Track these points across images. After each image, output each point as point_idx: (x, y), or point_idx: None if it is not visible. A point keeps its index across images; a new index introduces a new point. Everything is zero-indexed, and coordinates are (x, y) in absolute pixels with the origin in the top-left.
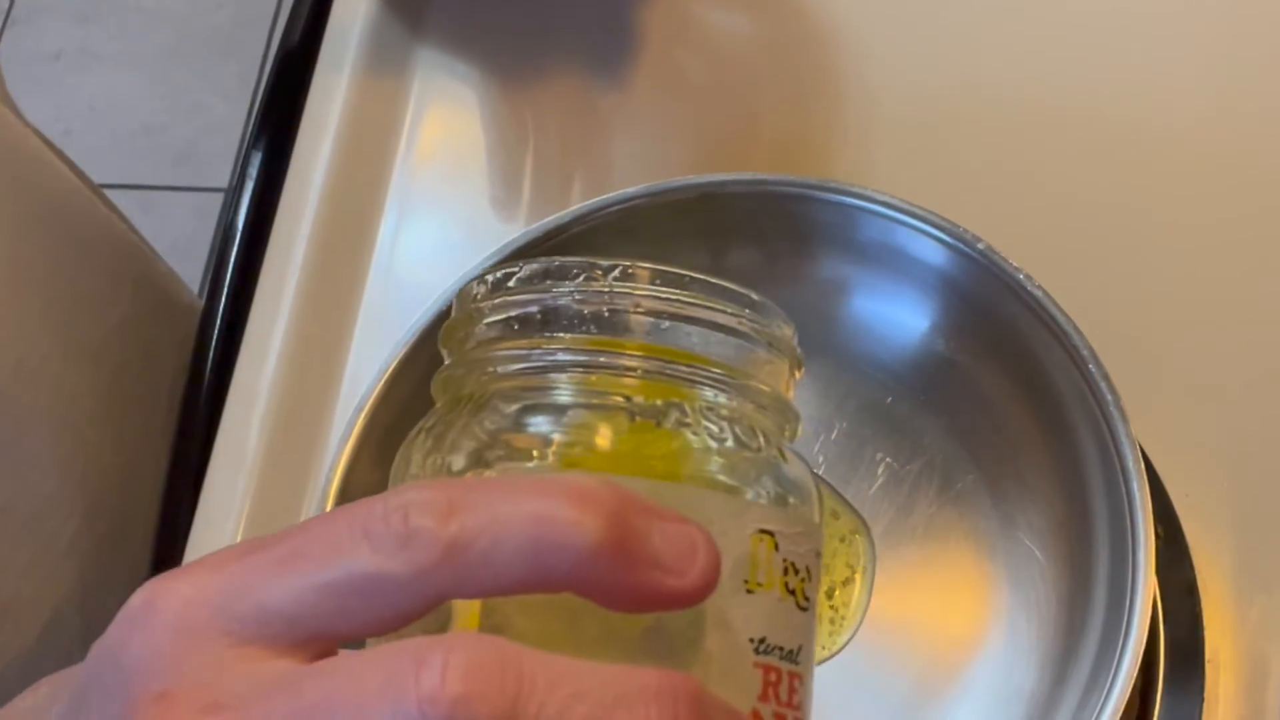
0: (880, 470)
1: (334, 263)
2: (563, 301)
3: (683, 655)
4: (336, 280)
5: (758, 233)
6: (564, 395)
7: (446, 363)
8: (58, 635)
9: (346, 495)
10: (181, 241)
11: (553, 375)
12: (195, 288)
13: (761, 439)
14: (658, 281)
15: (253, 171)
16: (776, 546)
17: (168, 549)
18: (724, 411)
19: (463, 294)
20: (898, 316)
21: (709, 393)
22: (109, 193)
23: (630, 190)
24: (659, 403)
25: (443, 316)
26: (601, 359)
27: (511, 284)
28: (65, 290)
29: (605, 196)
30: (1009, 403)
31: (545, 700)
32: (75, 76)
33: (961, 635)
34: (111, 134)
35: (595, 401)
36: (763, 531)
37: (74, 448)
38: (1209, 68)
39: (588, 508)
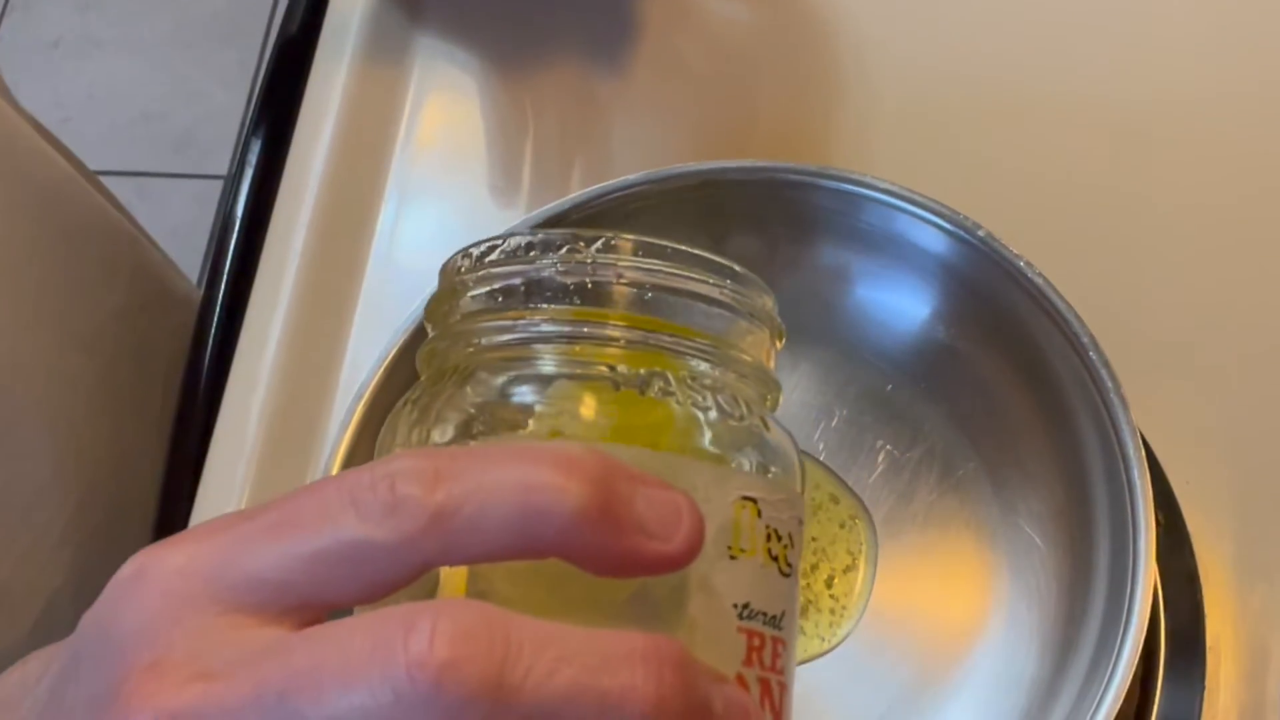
0: (880, 458)
1: (334, 250)
2: (546, 273)
3: (667, 620)
4: (336, 267)
5: (758, 220)
6: (547, 366)
7: (430, 335)
8: (52, 625)
9: None
10: (181, 229)
11: (536, 346)
12: (194, 275)
13: (744, 408)
14: (640, 253)
15: (252, 159)
16: (759, 513)
17: (167, 534)
18: (707, 381)
19: (446, 267)
20: (898, 304)
21: (692, 362)
22: (108, 180)
23: (631, 177)
24: (642, 372)
25: None
26: (584, 329)
27: (495, 256)
28: (59, 280)
29: (605, 184)
30: (1009, 390)
31: (532, 664)
32: (74, 64)
33: (962, 623)
34: (111, 121)
35: (579, 371)
36: (745, 498)
37: (68, 437)
38: (1209, 54)
39: (573, 474)
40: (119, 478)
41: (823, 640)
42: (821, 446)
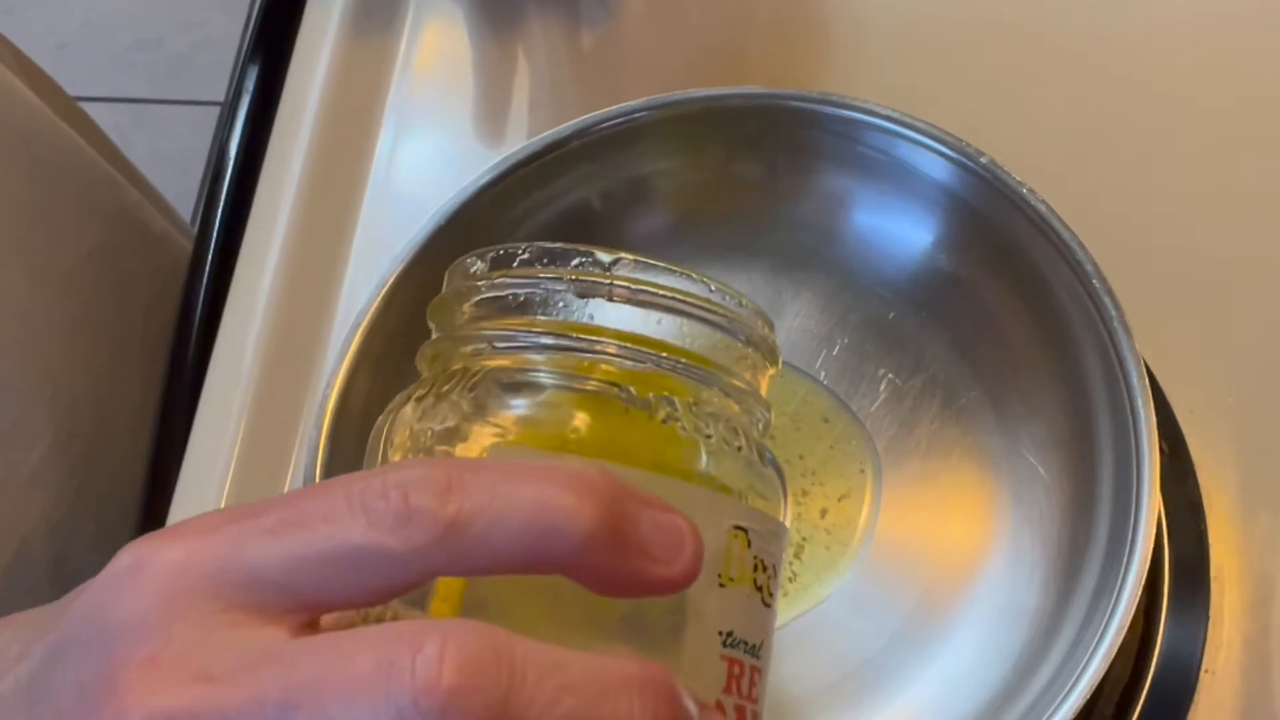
0: (882, 386)
1: (331, 177)
2: (559, 287)
3: (659, 642)
4: (333, 195)
5: (759, 147)
6: (555, 379)
7: (435, 335)
8: (26, 567)
9: (345, 409)
10: (177, 156)
11: (544, 357)
12: (190, 203)
13: (742, 437)
14: (653, 274)
15: (249, 85)
16: (749, 543)
17: (164, 465)
18: (710, 408)
19: (456, 269)
20: (900, 231)
21: (699, 389)
22: (104, 107)
23: (631, 104)
24: (651, 396)
25: (440, 232)
26: (596, 347)
27: (514, 265)
28: (30, 220)
29: (606, 110)
30: (1012, 318)
31: (535, 694)
32: None
33: (965, 553)
34: (106, 48)
35: (590, 388)
36: (738, 528)
37: (40, 377)
38: None
39: (585, 495)
40: (97, 419)
41: (817, 579)
42: (823, 375)
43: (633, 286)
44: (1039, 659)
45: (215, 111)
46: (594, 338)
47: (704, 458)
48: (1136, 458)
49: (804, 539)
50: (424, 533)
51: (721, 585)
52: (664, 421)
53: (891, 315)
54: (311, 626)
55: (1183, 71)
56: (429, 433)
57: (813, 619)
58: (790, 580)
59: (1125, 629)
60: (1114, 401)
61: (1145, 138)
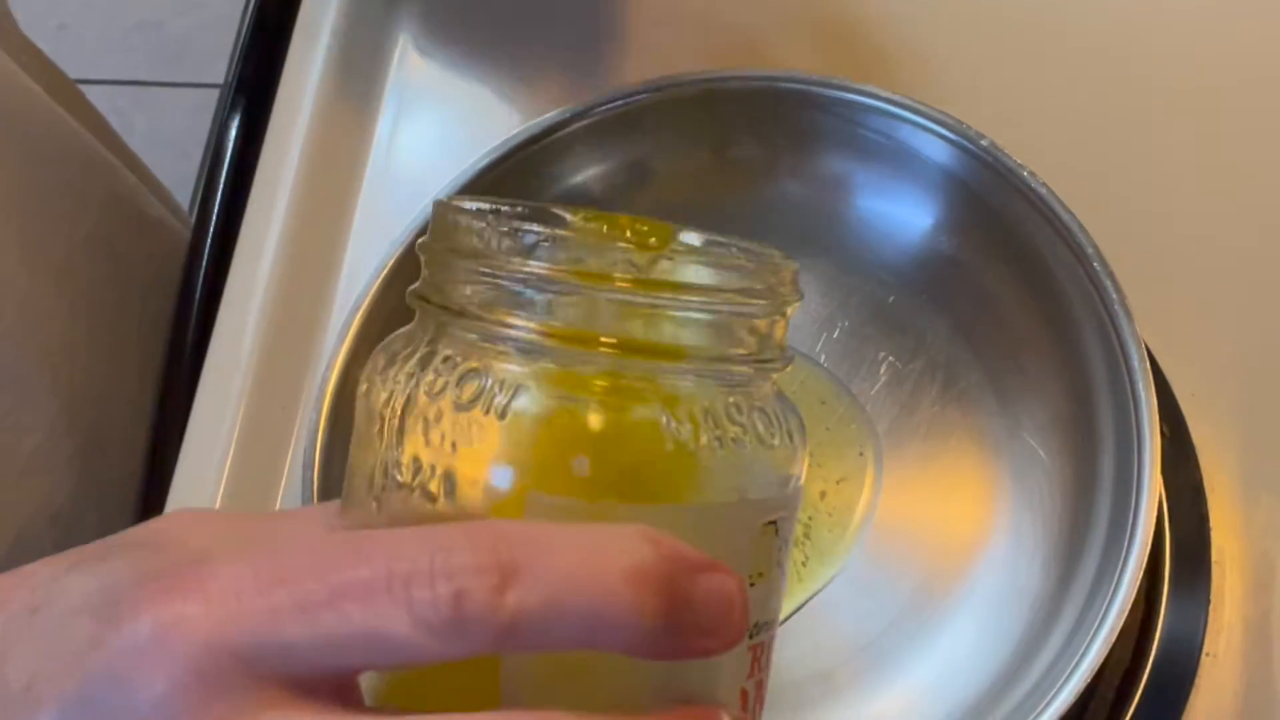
0: (883, 370)
1: (331, 160)
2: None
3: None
4: (333, 178)
5: (760, 129)
6: (585, 403)
7: (426, 275)
8: (26, 554)
9: (345, 392)
10: (176, 139)
11: (546, 364)
12: (190, 186)
13: (775, 420)
14: (678, 259)
15: (248, 68)
16: (777, 532)
17: (163, 449)
18: (740, 412)
19: (447, 209)
20: (900, 214)
21: (729, 391)
22: (104, 89)
23: (631, 86)
24: (687, 421)
25: None
26: (619, 364)
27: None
28: (25, 206)
29: (607, 92)
30: (1013, 301)
31: None
32: None
33: (966, 536)
34: (106, 29)
35: (628, 417)
36: (769, 524)
37: (38, 363)
38: None
39: (644, 590)
40: (96, 405)
41: (825, 565)
42: (823, 358)
43: (656, 291)
44: (1040, 642)
45: (215, 94)
46: (618, 356)
47: (741, 471)
48: (1137, 441)
49: (810, 518)
50: (476, 643)
51: (752, 585)
52: (702, 447)
53: (892, 299)
54: (345, 690)
55: (1184, 55)
56: (434, 386)
57: (815, 602)
58: (802, 564)
59: (1126, 612)
60: (1115, 384)
61: (1146, 120)
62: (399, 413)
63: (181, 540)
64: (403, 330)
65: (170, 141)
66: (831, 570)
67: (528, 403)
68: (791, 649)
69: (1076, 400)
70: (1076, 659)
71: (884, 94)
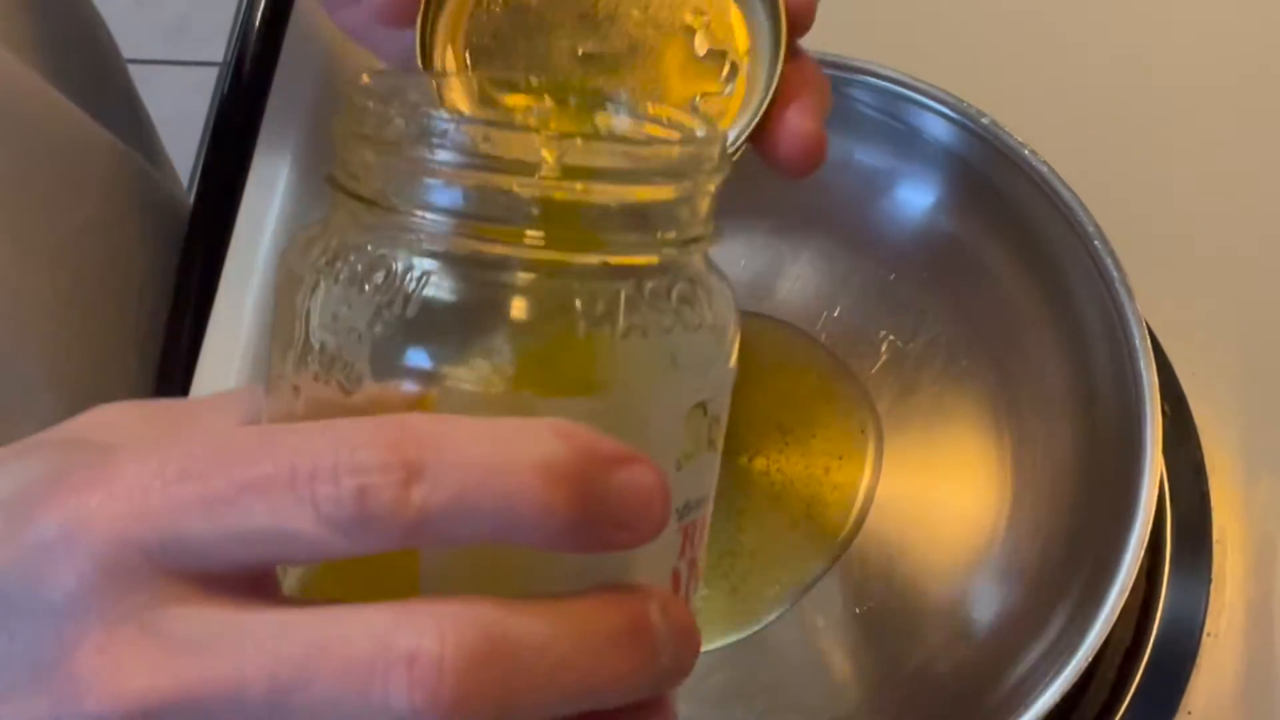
0: (884, 348)
1: (331, 139)
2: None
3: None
4: (333, 157)
5: None
6: (518, 313)
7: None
8: None
9: None
10: (175, 118)
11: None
12: (189, 164)
13: (701, 301)
14: (600, 140)
15: (249, 46)
16: (705, 412)
17: None
18: (664, 293)
19: (356, 90)
20: (902, 193)
21: (649, 282)
22: None
23: None
24: (601, 306)
25: None
26: (540, 251)
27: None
28: (18, 192)
29: None
30: (1014, 280)
31: (532, 682)
32: None
33: (966, 514)
34: (106, 7)
35: (546, 307)
36: (698, 405)
37: (34, 355)
38: None
39: (555, 486)
40: (94, 396)
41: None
42: (824, 337)
43: (569, 186)
44: (1041, 621)
45: (214, 72)
46: (538, 241)
47: (663, 356)
48: (1138, 419)
49: (813, 494)
50: (381, 538)
51: (680, 468)
52: (621, 334)
53: (892, 277)
54: (261, 583)
55: (1185, 36)
56: (334, 286)
57: (815, 580)
58: (803, 546)
59: (1127, 592)
60: (1116, 364)
61: (1147, 100)
62: (312, 302)
63: (98, 437)
64: (321, 217)
65: (170, 120)
66: (836, 550)
67: (438, 293)
68: (791, 630)
69: (1077, 379)
70: (1078, 638)
71: (884, 72)
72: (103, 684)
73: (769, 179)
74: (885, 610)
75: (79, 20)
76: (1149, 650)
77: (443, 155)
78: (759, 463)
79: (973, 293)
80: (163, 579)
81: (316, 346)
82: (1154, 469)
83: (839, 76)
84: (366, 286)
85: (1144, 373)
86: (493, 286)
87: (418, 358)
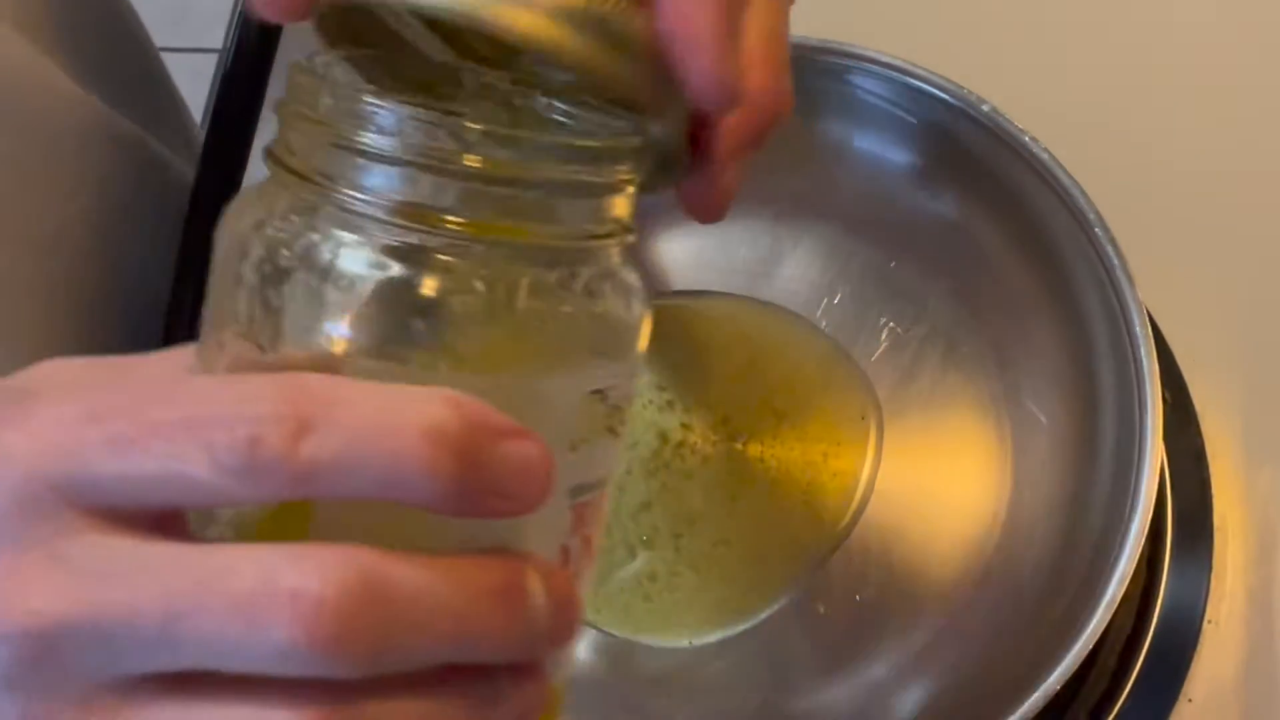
0: (884, 335)
1: None
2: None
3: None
4: None
5: None
6: (425, 290)
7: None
8: None
9: None
10: None
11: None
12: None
13: (608, 293)
14: (507, 131)
15: (248, 33)
16: (604, 400)
17: None
18: (570, 283)
19: (297, 70)
20: (902, 180)
21: (551, 271)
22: None
23: None
24: (500, 287)
25: None
26: (448, 241)
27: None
28: (10, 180)
29: None
30: (1014, 266)
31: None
32: None
33: (967, 502)
34: None
35: (454, 287)
36: (594, 392)
37: (29, 347)
38: None
39: (439, 449)
40: None
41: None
42: (824, 324)
43: (486, 161)
44: (1041, 609)
45: (214, 59)
46: (448, 229)
47: (564, 342)
48: (1139, 406)
49: (810, 481)
50: (271, 486)
51: (574, 449)
52: (522, 317)
53: (893, 264)
54: (168, 523)
55: (1186, 20)
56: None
57: (815, 569)
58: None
59: (1128, 579)
60: (1116, 350)
61: (1148, 87)
62: (241, 265)
63: (34, 386)
64: (259, 183)
65: None
66: (836, 537)
67: (351, 266)
68: (792, 618)
69: (1078, 366)
70: (1078, 626)
71: (884, 59)
72: (7, 602)
73: (771, 166)
74: (886, 597)
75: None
76: (1150, 638)
77: (364, 135)
78: (754, 448)
79: (973, 280)
80: (70, 512)
81: (242, 307)
82: (1155, 456)
83: (839, 63)
84: (287, 254)
85: (1145, 359)
86: (403, 263)
87: (328, 326)
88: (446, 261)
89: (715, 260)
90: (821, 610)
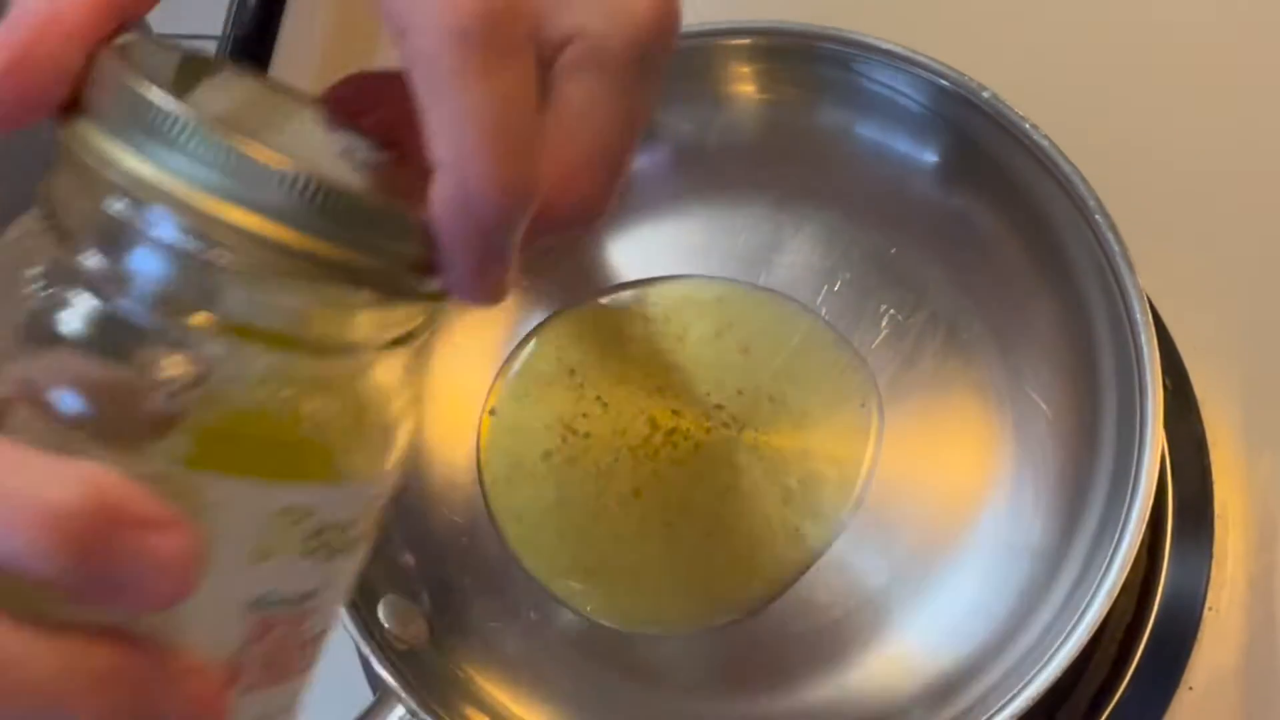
0: (884, 322)
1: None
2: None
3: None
4: None
5: (759, 81)
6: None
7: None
8: None
9: None
10: None
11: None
12: None
13: (350, 416)
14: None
15: (245, 21)
16: (301, 519)
17: None
18: (303, 400)
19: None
20: (902, 166)
21: (288, 388)
22: None
23: None
24: (209, 400)
25: None
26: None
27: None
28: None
29: None
30: (1015, 253)
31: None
32: None
33: (967, 489)
34: None
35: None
36: (284, 510)
37: None
38: None
39: (54, 531)
40: None
41: (831, 519)
42: (824, 311)
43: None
44: (1042, 597)
45: (212, 47)
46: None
47: (252, 456)
48: (1139, 393)
49: (811, 468)
50: None
51: (261, 559)
52: (224, 422)
53: (894, 250)
54: None
55: (1186, 7)
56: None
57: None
58: (804, 524)
59: (1129, 566)
60: (1117, 337)
61: (1149, 73)
62: None
63: None
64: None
65: None
66: (834, 527)
67: (52, 308)
68: (793, 604)
69: (1079, 353)
70: (1079, 614)
71: (884, 45)
72: None
73: (771, 152)
74: (883, 586)
75: None
76: (1150, 626)
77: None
78: (748, 436)
79: (974, 266)
80: None
81: None
82: (1155, 443)
83: (841, 50)
84: (17, 308)
85: (1145, 347)
86: (94, 326)
87: (18, 369)
88: (140, 340)
89: (716, 245)
90: (823, 599)
